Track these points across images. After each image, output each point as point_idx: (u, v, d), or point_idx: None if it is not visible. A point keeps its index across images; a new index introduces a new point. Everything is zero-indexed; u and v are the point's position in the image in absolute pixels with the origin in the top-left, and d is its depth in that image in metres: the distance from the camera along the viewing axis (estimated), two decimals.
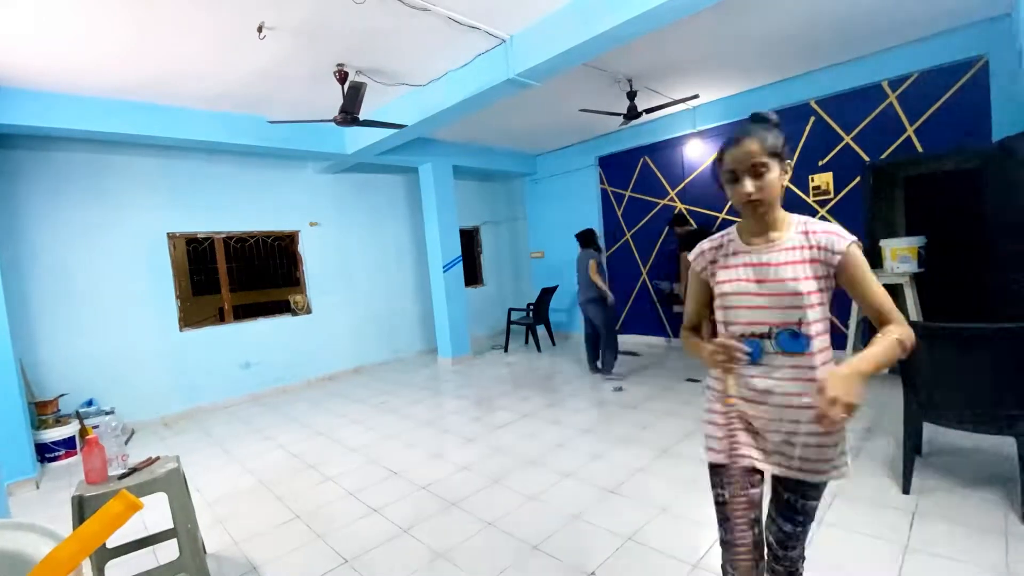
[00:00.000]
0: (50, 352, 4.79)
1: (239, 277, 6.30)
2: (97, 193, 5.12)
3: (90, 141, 4.70)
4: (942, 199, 4.88)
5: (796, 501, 1.38)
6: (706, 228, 6.06)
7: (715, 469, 1.41)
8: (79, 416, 4.54)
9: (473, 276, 8.81)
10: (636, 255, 7.26)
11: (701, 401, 3.56)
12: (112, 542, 2.28)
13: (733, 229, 1.42)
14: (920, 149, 4.73)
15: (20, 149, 4.68)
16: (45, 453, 4.22)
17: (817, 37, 4.33)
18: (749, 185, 1.26)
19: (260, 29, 3.29)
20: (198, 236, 5.90)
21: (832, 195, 5.30)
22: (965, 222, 4.60)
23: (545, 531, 2.58)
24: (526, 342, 7.82)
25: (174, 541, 2.25)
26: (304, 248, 6.72)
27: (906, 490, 2.61)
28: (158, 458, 2.36)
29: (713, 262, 1.43)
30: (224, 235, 6.08)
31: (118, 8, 2.94)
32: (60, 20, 2.99)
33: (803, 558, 1.47)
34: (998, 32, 4.10)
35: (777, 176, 1.26)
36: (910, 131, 4.75)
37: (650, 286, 7.13)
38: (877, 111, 4.91)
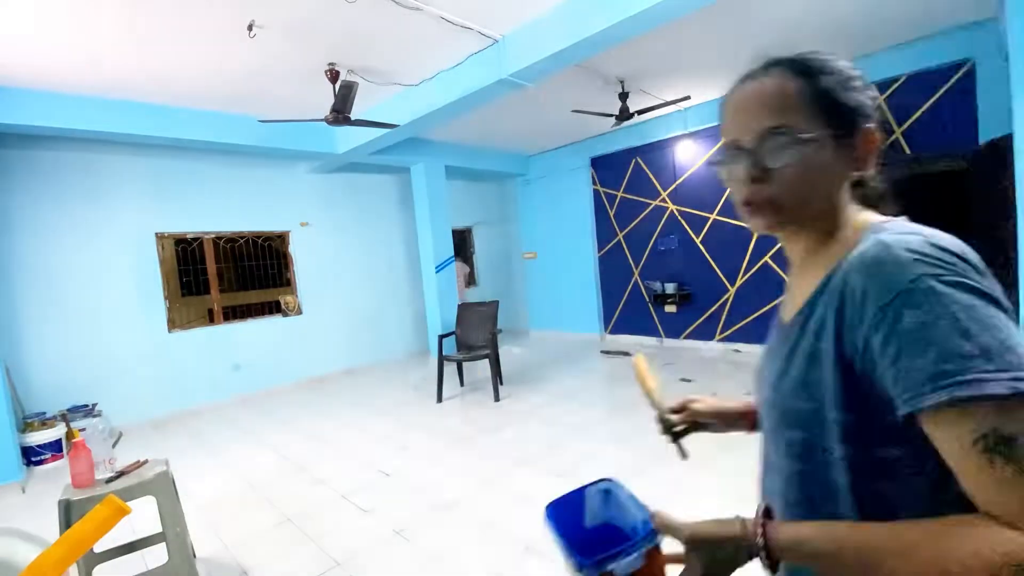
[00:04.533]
0: (36, 354, 4.72)
1: (229, 278, 6.24)
2: (84, 192, 5.05)
3: (76, 140, 4.62)
4: (929, 201, 4.93)
5: None
6: None
7: None
8: (65, 418, 4.48)
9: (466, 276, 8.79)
10: (628, 255, 7.28)
11: None
12: (100, 547, 2.25)
13: None
14: (908, 152, 4.79)
15: (4, 148, 4.60)
16: (31, 456, 4.16)
17: (806, 40, 4.35)
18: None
19: (250, 27, 3.26)
20: (187, 236, 5.84)
21: None
22: (952, 224, 4.66)
23: (539, 532, 2.58)
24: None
25: (163, 545, 2.22)
26: (295, 248, 6.67)
27: None
28: (146, 461, 2.33)
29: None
30: (213, 235, 6.02)
31: (106, 6, 2.90)
32: (48, 18, 2.95)
33: None
34: (985, 36, 4.16)
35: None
36: (898, 133, 4.81)
37: (642, 286, 7.15)
38: None
